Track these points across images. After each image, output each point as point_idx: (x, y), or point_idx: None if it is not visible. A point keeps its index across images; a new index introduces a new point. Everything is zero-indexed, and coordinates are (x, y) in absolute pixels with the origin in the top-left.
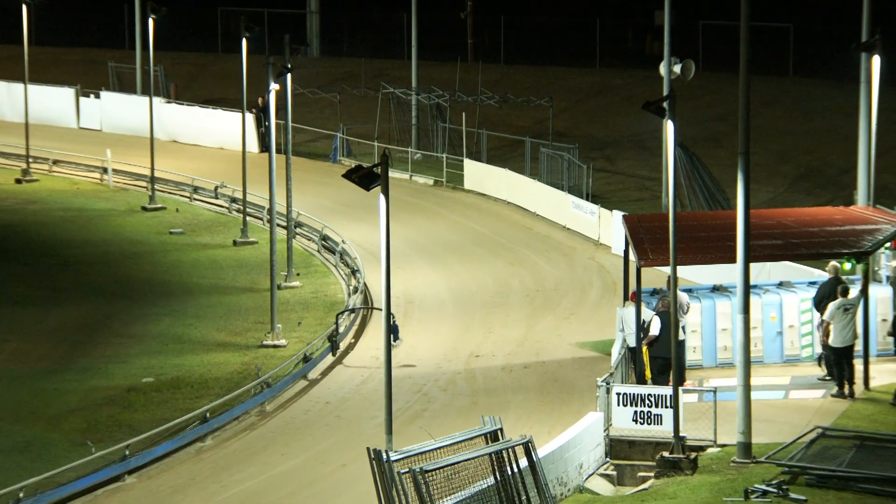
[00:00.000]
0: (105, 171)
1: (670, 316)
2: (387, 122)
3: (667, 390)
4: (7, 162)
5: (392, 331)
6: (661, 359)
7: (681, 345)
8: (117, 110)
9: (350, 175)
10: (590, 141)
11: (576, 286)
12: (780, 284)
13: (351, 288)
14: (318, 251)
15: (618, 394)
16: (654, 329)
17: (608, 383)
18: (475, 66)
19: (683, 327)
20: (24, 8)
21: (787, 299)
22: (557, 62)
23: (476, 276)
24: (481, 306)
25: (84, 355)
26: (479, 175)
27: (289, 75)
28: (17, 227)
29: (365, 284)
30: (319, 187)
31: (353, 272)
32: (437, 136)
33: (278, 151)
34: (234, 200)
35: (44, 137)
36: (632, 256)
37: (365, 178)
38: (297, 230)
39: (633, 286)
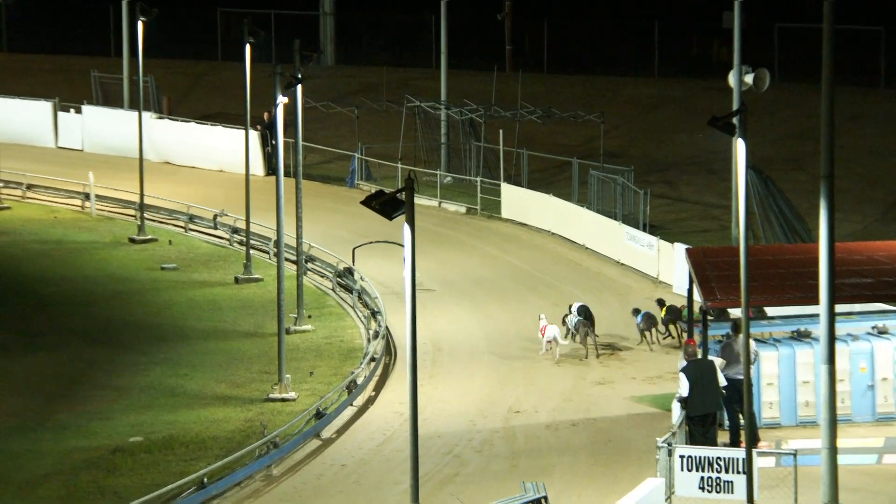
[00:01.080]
0: (87, 197)
1: (702, 367)
2: (412, 141)
3: (739, 453)
4: None
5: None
6: (699, 418)
7: (725, 396)
8: (101, 127)
9: (370, 202)
10: (647, 162)
11: (631, 331)
12: (875, 331)
13: (371, 332)
14: (333, 290)
15: (681, 457)
16: (683, 388)
17: (670, 444)
18: (514, 75)
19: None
20: None
21: (880, 347)
22: (610, 71)
23: (515, 318)
24: (522, 354)
25: (61, 410)
26: (518, 202)
27: (299, 87)
28: None
29: (387, 328)
30: (334, 216)
31: (374, 314)
32: (470, 157)
33: (287, 174)
34: (235, 231)
35: (16, 158)
36: (696, 296)
37: (387, 205)
38: (309, 265)
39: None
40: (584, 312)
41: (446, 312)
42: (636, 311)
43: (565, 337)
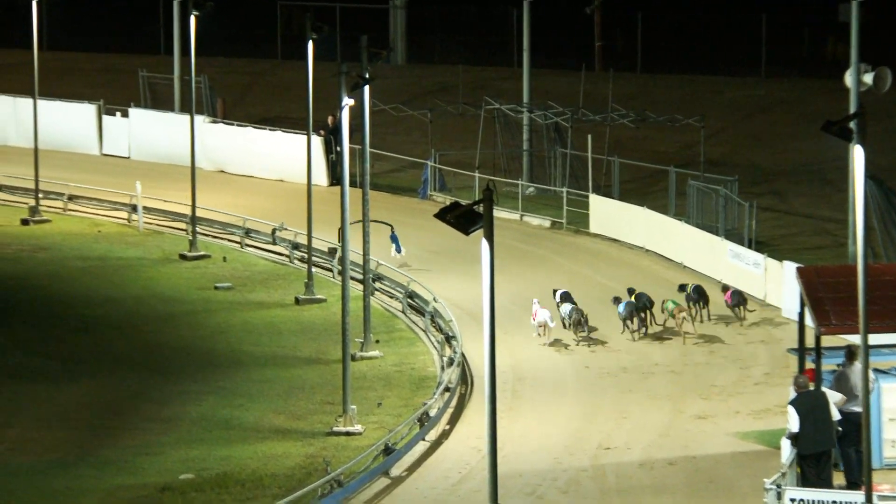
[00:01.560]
0: (134, 209)
1: (813, 399)
2: (491, 148)
3: (857, 497)
4: (11, 198)
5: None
6: (811, 457)
7: (840, 433)
8: (150, 132)
9: (444, 215)
10: (753, 171)
11: (735, 359)
12: None
13: (445, 359)
14: (403, 312)
15: (792, 500)
16: (792, 423)
17: (779, 486)
18: (604, 75)
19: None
20: (35, 3)
21: None
22: (711, 70)
23: (605, 343)
24: (612, 383)
25: (106, 445)
26: (608, 215)
27: (366, 87)
28: (23, 280)
29: (462, 354)
30: (405, 230)
31: (448, 339)
32: (555, 165)
33: (352, 184)
34: (296, 247)
35: (57, 166)
36: (809, 321)
37: (463, 218)
38: (377, 285)
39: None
40: (570, 298)
41: (528, 338)
42: (617, 300)
43: (568, 327)
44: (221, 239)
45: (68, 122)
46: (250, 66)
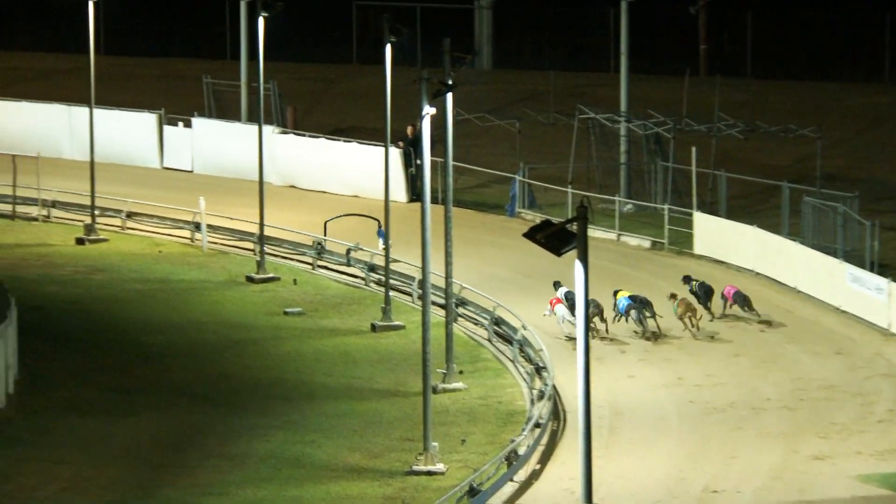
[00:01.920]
0: (197, 227)
1: None
2: (585, 161)
3: None
4: (66, 215)
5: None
6: None
7: None
8: (214, 143)
9: (534, 234)
10: (875, 187)
11: (855, 394)
12: None
13: (534, 392)
14: (489, 340)
15: None
16: None
17: None
18: (710, 81)
19: None
20: (91, 4)
21: None
22: (828, 76)
23: (711, 376)
24: (720, 420)
25: (167, 484)
26: (714, 234)
27: (450, 95)
28: (78, 304)
29: (554, 387)
30: (491, 250)
31: (538, 370)
32: (655, 180)
33: (434, 201)
34: (372, 269)
35: (115, 181)
36: None
37: (555, 238)
38: (460, 310)
39: None
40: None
41: (626, 368)
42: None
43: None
44: (291, 260)
45: (126, 132)
46: (323, 72)
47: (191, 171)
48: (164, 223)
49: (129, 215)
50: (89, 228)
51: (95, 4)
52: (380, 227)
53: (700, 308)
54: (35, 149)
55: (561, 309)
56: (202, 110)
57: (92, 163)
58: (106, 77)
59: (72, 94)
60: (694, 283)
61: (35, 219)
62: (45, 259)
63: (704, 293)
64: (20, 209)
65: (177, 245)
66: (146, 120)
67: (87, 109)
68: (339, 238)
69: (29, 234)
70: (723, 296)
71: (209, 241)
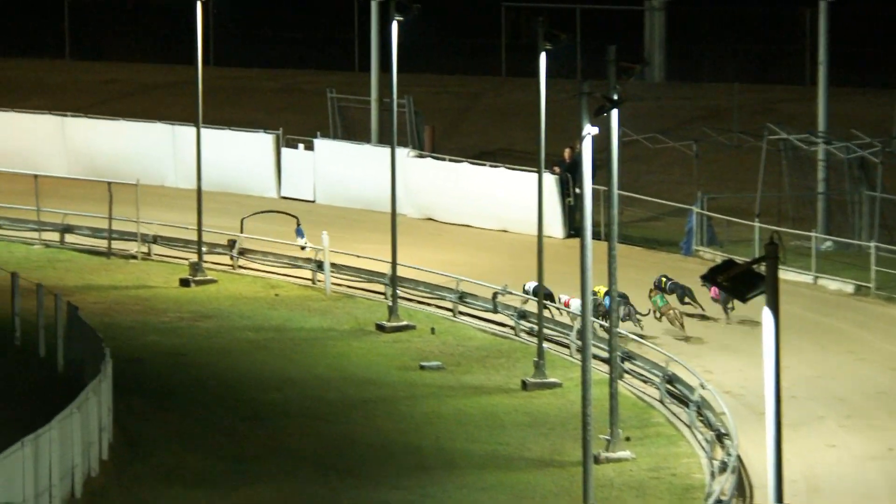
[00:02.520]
0: (319, 266)
1: None
2: (775, 190)
3: None
4: (169, 252)
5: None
6: None
7: None
8: (340, 169)
9: (714, 276)
10: None
11: None
12: None
13: (715, 463)
14: (661, 401)
15: None
16: None
17: None
18: None
19: None
20: (199, 7)
21: None
22: None
23: None
24: None
25: None
26: None
27: (614, 112)
28: (182, 356)
29: (739, 458)
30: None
31: (720, 437)
32: (859, 213)
33: (596, 236)
34: (523, 316)
35: (225, 213)
36: None
37: (739, 280)
38: (627, 365)
39: None
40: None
41: (826, 437)
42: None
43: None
44: (429, 305)
45: (239, 156)
46: (466, 85)
47: (312, 201)
48: (282, 262)
49: (242, 253)
50: (195, 268)
51: (204, 8)
52: (298, 224)
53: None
54: (134, 175)
55: (576, 303)
56: (326, 130)
57: (199, 191)
58: (215, 92)
59: (176, 111)
60: (664, 280)
61: (133, 256)
62: (144, 303)
63: (682, 291)
64: (116, 245)
65: (296, 287)
66: (261, 141)
67: (192, 129)
68: (486, 280)
69: (126, 273)
70: (713, 298)
71: (333, 283)
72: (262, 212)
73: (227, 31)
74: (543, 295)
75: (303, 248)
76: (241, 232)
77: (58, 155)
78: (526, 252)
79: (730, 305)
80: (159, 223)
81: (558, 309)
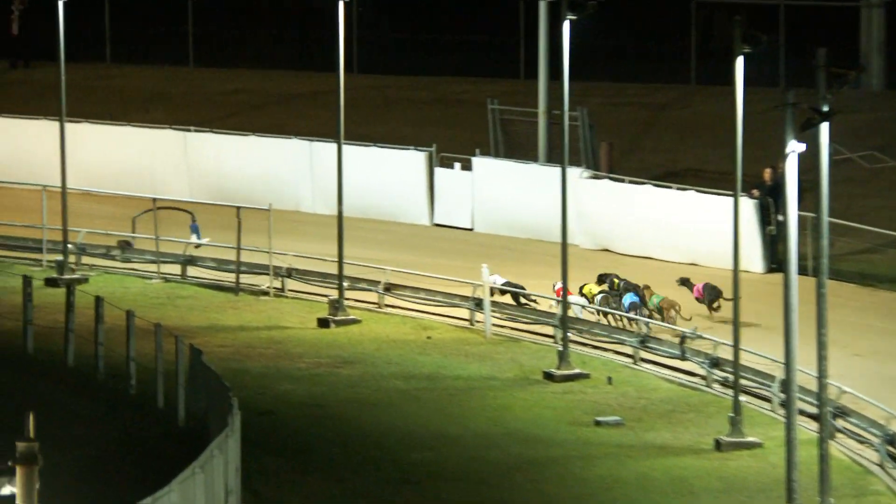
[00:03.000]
0: (479, 305)
1: None
2: None
3: None
4: (305, 288)
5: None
6: None
7: None
8: (502, 192)
9: None
10: None
11: None
12: None
13: None
14: (881, 465)
15: None
16: None
17: None
18: None
19: None
20: (341, 7)
21: None
22: None
23: None
24: None
25: None
26: None
27: (824, 126)
28: (320, 408)
29: None
30: (885, 341)
31: None
32: None
33: (802, 271)
34: (715, 363)
35: (369, 243)
36: None
37: None
38: (839, 423)
39: None
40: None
41: None
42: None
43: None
44: (605, 350)
45: (386, 176)
46: (649, 95)
47: (470, 230)
48: (434, 300)
49: (388, 289)
50: (336, 306)
51: (347, 8)
52: (193, 220)
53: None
54: (265, 198)
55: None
56: (486, 147)
57: (340, 218)
58: (359, 103)
59: (314, 125)
60: (616, 281)
61: (265, 292)
62: (277, 347)
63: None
64: (245, 279)
65: (451, 329)
66: (411, 160)
67: (333, 146)
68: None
69: (257, 312)
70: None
71: (494, 324)
72: (156, 209)
73: (372, 34)
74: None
75: (197, 247)
76: (133, 232)
77: (179, 175)
78: (721, 287)
79: (716, 305)
80: (294, 254)
81: (533, 301)
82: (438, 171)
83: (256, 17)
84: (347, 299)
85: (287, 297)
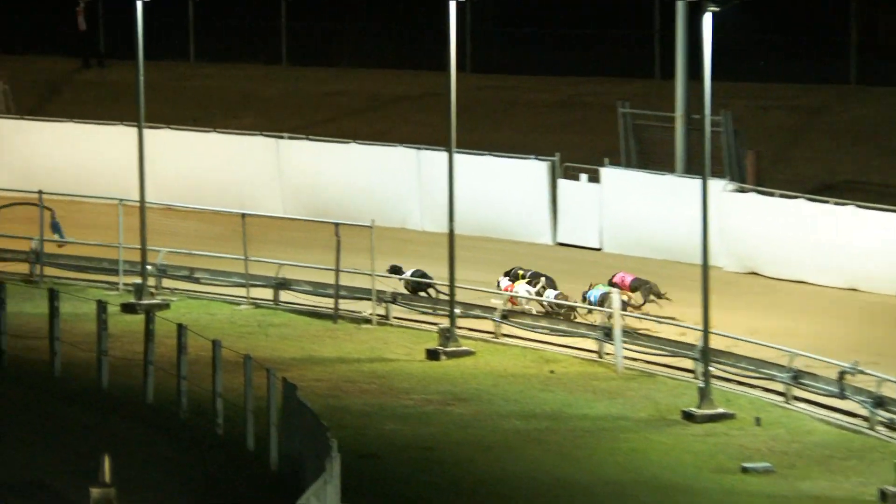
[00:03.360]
0: (608, 335)
1: None
2: None
3: None
4: (413, 316)
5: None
6: None
7: None
8: (635, 207)
9: None
10: None
11: None
12: None
13: None
14: None
15: None
16: None
17: None
18: None
19: None
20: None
21: None
22: None
23: None
24: None
25: None
26: None
27: None
28: (430, 450)
29: None
30: None
31: None
32: None
33: None
34: (879, 403)
35: (486, 265)
36: None
37: None
38: None
39: None
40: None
41: None
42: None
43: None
44: (752, 387)
45: (503, 189)
46: (803, 97)
47: (598, 249)
48: (558, 329)
49: (505, 316)
50: (446, 335)
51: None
52: (53, 217)
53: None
54: (368, 213)
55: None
56: (616, 156)
57: (451, 236)
58: (472, 106)
59: (422, 131)
60: (521, 273)
61: (367, 320)
62: (380, 381)
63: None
64: (345, 305)
65: (576, 362)
66: (532, 170)
67: (443, 154)
68: (829, 356)
69: (358, 342)
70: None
71: (626, 357)
72: (13, 204)
73: (487, 29)
74: (421, 283)
75: (60, 246)
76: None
77: (270, 187)
78: (884, 318)
79: (656, 295)
80: (399, 277)
81: (439, 292)
82: (562, 183)
83: (357, 9)
84: (459, 328)
85: (392, 325)
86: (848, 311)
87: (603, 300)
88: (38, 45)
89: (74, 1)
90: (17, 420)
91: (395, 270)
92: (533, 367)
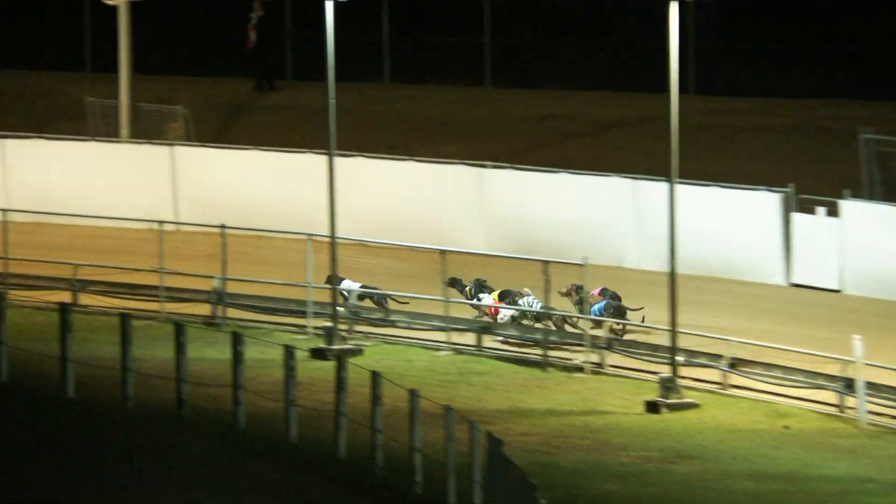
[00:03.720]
0: (849, 385)
1: None
2: None
3: None
4: (630, 364)
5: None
6: None
7: None
8: (880, 243)
9: None
10: None
11: None
12: None
13: None
14: None
15: None
16: None
17: None
18: None
19: None
20: (674, 10)
21: None
22: None
23: None
24: None
25: None
26: None
27: None
28: None
29: None
30: None
31: None
32: None
33: None
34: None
35: (712, 307)
36: None
37: None
38: None
39: None
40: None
41: None
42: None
43: None
44: None
45: (731, 224)
46: None
47: (837, 291)
48: (793, 379)
49: (734, 365)
50: (668, 386)
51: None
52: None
53: None
54: (579, 250)
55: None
56: (858, 187)
57: (672, 276)
58: (696, 132)
59: (639, 158)
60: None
61: (580, 368)
62: (594, 436)
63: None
64: (555, 352)
65: (814, 416)
66: (762, 203)
67: (663, 185)
68: None
69: (569, 393)
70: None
71: (871, 411)
72: None
73: (712, 46)
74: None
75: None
76: None
77: (472, 220)
78: None
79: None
80: (624, 322)
81: (405, 303)
82: (797, 216)
83: (567, 25)
84: (682, 378)
85: (607, 374)
86: None
87: (606, 311)
88: (219, 66)
89: (245, 17)
90: (199, 475)
91: (454, 283)
92: (764, 421)
